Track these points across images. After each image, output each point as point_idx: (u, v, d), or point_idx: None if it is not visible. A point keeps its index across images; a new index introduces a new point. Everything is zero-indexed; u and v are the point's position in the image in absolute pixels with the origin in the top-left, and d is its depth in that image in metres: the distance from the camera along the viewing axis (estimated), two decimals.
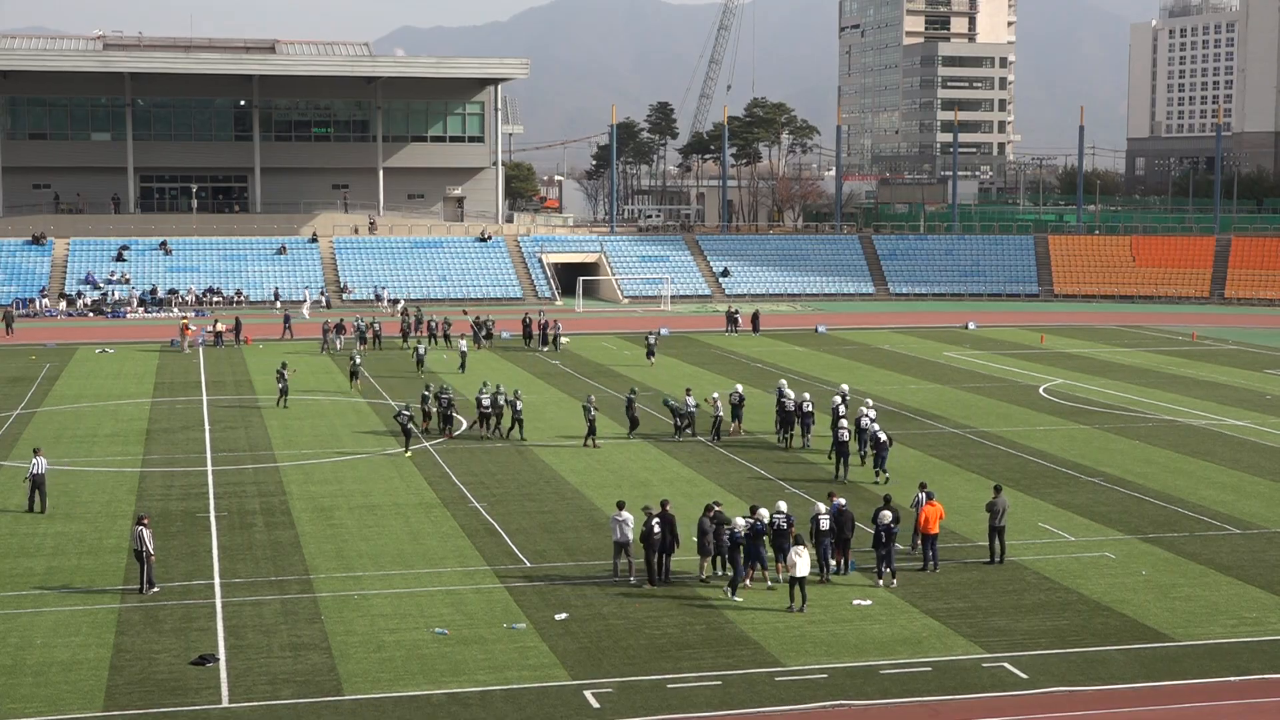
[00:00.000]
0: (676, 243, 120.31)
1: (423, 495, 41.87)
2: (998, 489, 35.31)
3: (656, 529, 32.15)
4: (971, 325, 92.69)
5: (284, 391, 57.39)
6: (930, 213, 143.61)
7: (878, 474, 44.03)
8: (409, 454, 48.03)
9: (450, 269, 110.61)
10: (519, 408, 50.98)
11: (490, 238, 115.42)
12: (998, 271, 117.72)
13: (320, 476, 44.62)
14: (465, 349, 69.93)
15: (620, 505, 33.41)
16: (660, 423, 53.25)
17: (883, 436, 44.25)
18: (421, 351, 70.78)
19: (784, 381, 53.88)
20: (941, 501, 35.54)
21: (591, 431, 49.49)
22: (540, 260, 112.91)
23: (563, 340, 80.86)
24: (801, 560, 30.38)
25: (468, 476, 44.48)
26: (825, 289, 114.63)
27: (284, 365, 58.67)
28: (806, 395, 50.85)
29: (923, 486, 35.64)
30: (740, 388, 53.63)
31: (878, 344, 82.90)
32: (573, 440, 50.41)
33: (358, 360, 65.03)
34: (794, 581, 30.53)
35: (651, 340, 75.23)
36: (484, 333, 79.73)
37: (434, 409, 51.90)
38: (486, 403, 51.63)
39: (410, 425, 48.89)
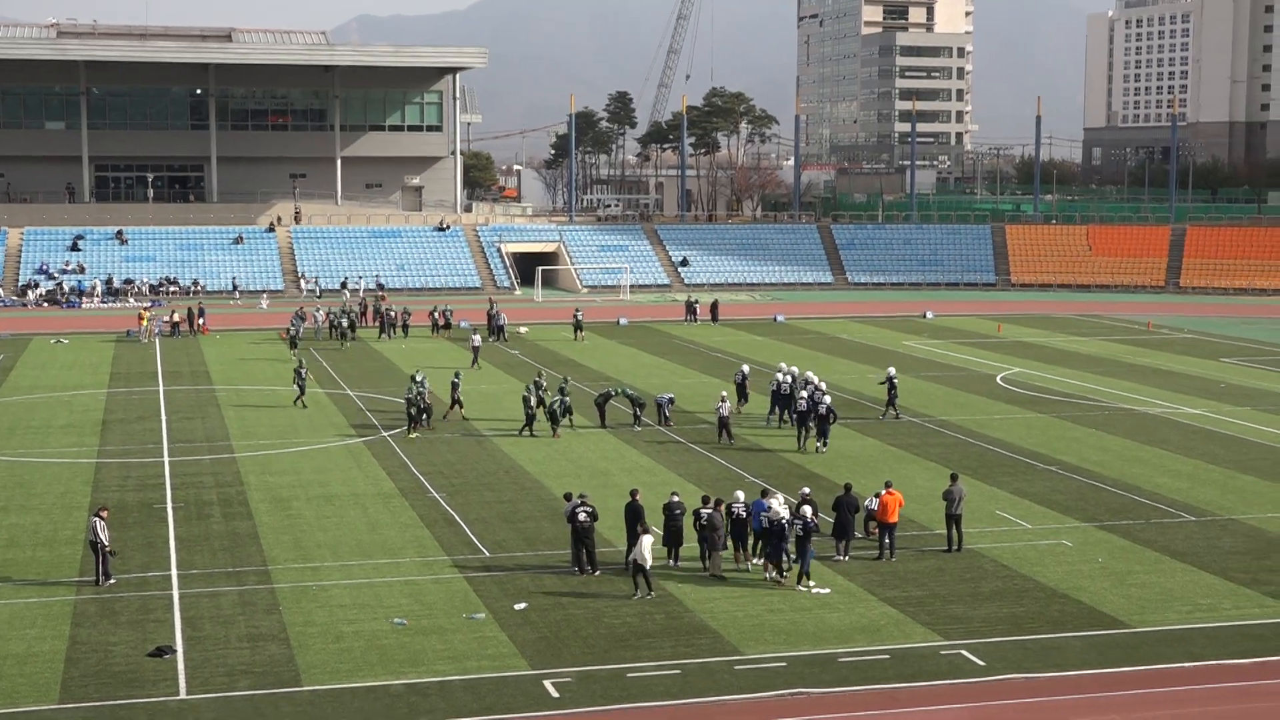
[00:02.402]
0: (635, 232, 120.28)
1: (381, 486, 41.73)
2: (954, 477, 35.48)
3: (582, 516, 32.16)
4: (929, 314, 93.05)
5: (302, 390, 56.21)
6: (888, 202, 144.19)
7: (819, 445, 46.72)
8: (414, 436, 49.05)
9: (409, 258, 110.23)
10: (545, 403, 50.87)
11: (449, 227, 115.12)
12: (955, 261, 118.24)
13: (278, 467, 44.40)
14: (479, 343, 69.11)
15: (568, 497, 33.35)
16: (619, 413, 53.18)
17: (823, 409, 46.97)
18: (345, 325, 76.29)
19: (784, 364, 54.96)
20: (900, 490, 35.61)
21: (554, 420, 49.51)
22: (499, 250, 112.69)
23: (521, 330, 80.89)
24: (646, 546, 30.45)
25: (426, 467, 44.36)
26: (784, 278, 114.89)
27: (301, 364, 57.86)
28: (823, 387, 50.48)
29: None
30: (746, 368, 55.90)
31: (836, 333, 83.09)
32: (530, 430, 50.32)
33: (293, 331, 72.11)
34: (639, 570, 30.49)
35: (579, 316, 79.58)
36: (403, 323, 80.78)
37: (419, 399, 51.15)
38: (449, 384, 52.81)
39: (413, 411, 49.76)
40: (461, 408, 52.91)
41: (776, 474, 43.17)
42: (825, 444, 46.87)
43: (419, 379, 52.46)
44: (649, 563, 30.50)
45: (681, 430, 50.74)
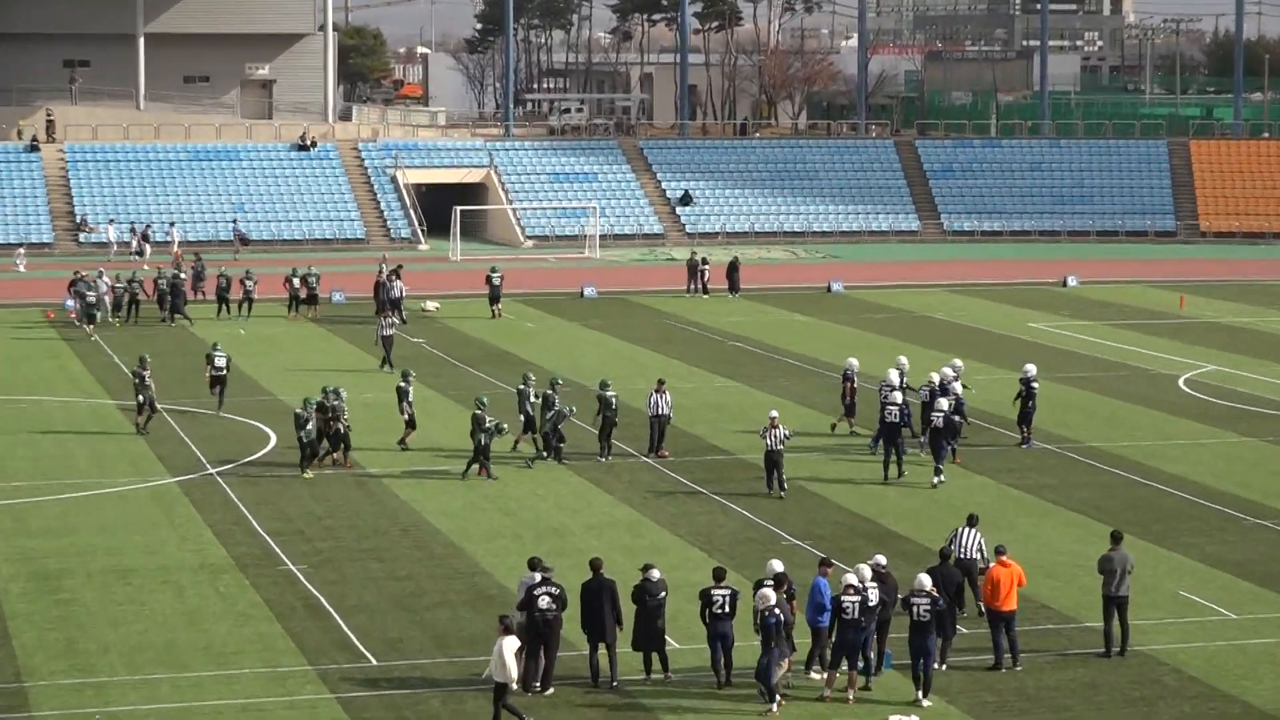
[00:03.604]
0: (609, 152, 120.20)
1: (206, 553, 41.38)
2: (1115, 537, 35.23)
3: (544, 602, 31.95)
4: (1071, 281, 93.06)
5: (147, 406, 55.27)
6: (1006, 105, 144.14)
7: (947, 462, 48.79)
8: (309, 475, 48.95)
9: (252, 193, 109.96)
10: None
11: (315, 144, 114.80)
12: (1112, 196, 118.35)
13: (41, 523, 44.10)
14: (389, 332, 68.03)
15: (533, 565, 32.99)
16: (582, 434, 52.90)
17: (938, 419, 48.36)
18: (92, 299, 76.10)
19: (903, 359, 55.64)
20: (1021, 559, 35.40)
21: (482, 453, 49.08)
22: (395, 180, 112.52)
23: (429, 306, 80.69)
24: (507, 655, 30.07)
25: (278, 522, 44.04)
26: (842, 224, 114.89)
27: (144, 363, 56.97)
28: (956, 389, 51.36)
29: (972, 521, 36.38)
30: (855, 362, 55.98)
31: (925, 311, 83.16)
32: (445, 463, 50.25)
33: (91, 297, 75.12)
34: (499, 693, 30.17)
35: (495, 280, 79.89)
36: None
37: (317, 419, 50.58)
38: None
39: (306, 437, 49.30)
40: (413, 430, 53.06)
41: (831, 531, 42.88)
42: (940, 473, 48.19)
43: (333, 392, 51.63)
44: (512, 679, 30.08)
45: (680, 464, 50.62)
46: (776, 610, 31.30)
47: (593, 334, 75.83)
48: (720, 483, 48.41)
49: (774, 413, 49.46)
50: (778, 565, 33.15)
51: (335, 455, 50.40)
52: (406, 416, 53.08)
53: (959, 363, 55.59)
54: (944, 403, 48.97)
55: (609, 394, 51.66)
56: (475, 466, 49.08)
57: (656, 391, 52.37)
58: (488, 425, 48.88)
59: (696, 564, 38.87)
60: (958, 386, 51.76)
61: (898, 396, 49.72)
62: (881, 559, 33.86)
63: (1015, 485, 48.40)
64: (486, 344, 72.65)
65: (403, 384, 53.83)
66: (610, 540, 41.87)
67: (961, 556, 35.60)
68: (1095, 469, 50.53)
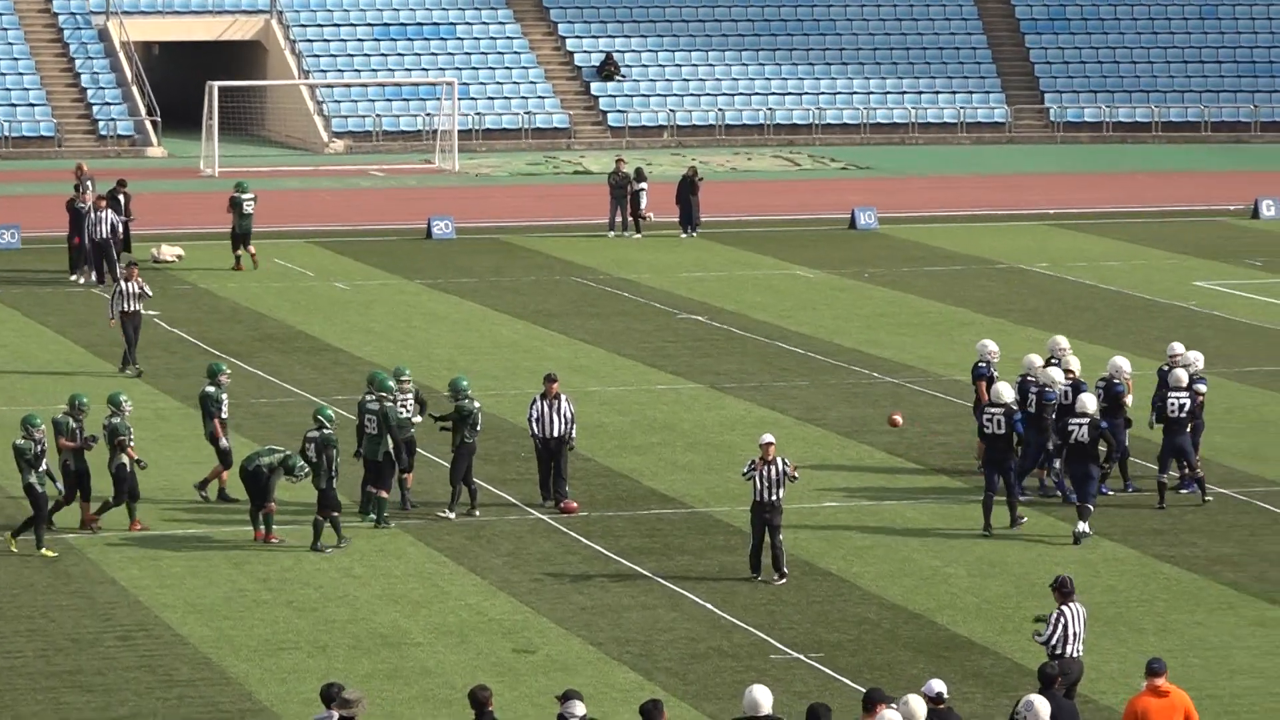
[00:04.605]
0: None
1: None
2: None
3: None
4: (1268, 208, 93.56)
5: None
6: None
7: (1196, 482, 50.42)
8: (51, 553, 48.74)
9: None
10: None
11: None
12: None
13: None
14: (129, 307, 67.30)
15: (331, 695, 32.91)
16: (432, 469, 53.12)
17: (1080, 431, 48.87)
18: None
19: (1062, 342, 56.04)
20: (1186, 681, 35.67)
21: (256, 489, 49.34)
22: (107, 36, 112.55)
23: (164, 253, 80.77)
24: None
25: None
26: (876, 114, 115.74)
27: None
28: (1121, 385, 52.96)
29: (1064, 589, 36.39)
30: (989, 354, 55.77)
31: (1017, 259, 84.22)
32: (196, 525, 50.47)
33: None
34: None
35: (247, 206, 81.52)
36: None
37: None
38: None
39: (39, 480, 49.15)
40: (225, 468, 53.23)
41: (857, 636, 43.11)
42: (1082, 514, 48.95)
43: (112, 404, 51.72)
44: None
45: (597, 522, 51.00)
46: None
47: (448, 300, 76.33)
48: (667, 555, 48.69)
49: (767, 437, 49.05)
50: (764, 697, 33.10)
51: (95, 517, 50.64)
52: (224, 445, 53.36)
53: (1192, 354, 55.17)
54: (1088, 401, 49.59)
55: (471, 404, 51.97)
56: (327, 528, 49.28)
57: (543, 397, 52.56)
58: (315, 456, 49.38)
59: (626, 694, 38.76)
60: (1186, 373, 52.45)
61: (1059, 384, 51.24)
62: (938, 685, 33.72)
63: (1169, 557, 48.60)
64: (267, 319, 72.80)
65: (211, 388, 53.89)
66: (480, 652, 42.00)
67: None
68: None
